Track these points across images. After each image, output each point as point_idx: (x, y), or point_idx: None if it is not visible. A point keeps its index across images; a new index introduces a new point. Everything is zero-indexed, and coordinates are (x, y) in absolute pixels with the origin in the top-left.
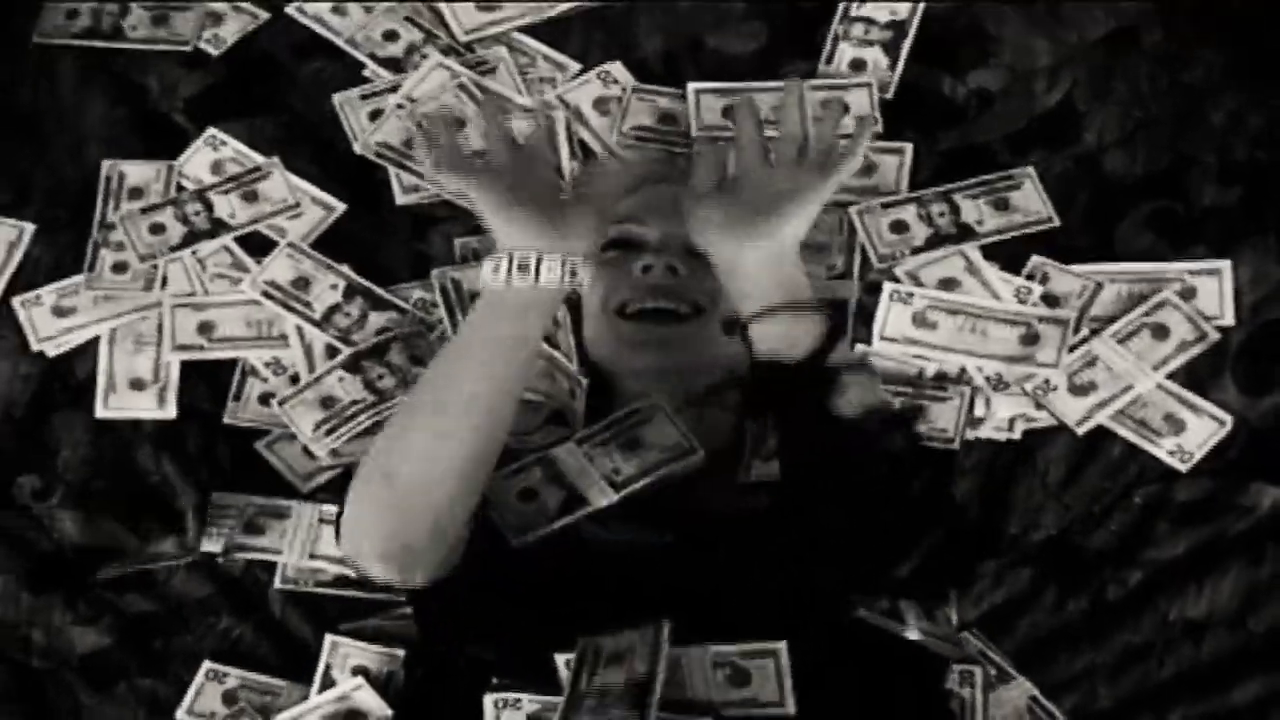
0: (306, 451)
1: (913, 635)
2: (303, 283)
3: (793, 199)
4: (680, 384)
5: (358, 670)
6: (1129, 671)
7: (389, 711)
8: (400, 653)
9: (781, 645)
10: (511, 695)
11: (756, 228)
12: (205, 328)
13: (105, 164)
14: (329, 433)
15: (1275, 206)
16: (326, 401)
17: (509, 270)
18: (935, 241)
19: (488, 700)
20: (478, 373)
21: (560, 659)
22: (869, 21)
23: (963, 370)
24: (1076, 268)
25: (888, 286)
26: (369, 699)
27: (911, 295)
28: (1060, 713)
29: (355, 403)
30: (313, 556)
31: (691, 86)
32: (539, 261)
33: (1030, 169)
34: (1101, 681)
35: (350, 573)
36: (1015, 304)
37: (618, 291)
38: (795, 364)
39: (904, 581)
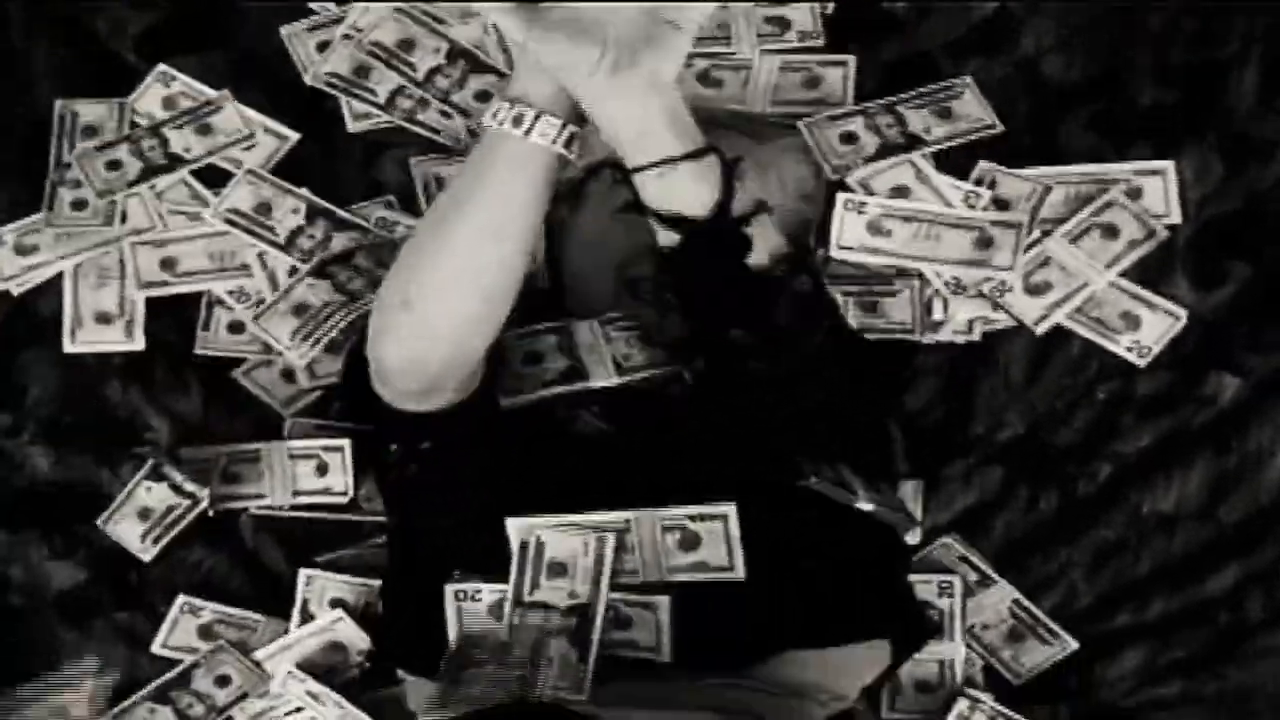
0: (285, 376)
1: (865, 506)
2: (264, 208)
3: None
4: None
5: (335, 603)
6: (1106, 567)
7: (368, 644)
8: (376, 583)
9: (730, 508)
10: (471, 586)
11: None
12: (168, 263)
13: (57, 104)
14: (306, 339)
15: (1213, 106)
16: (299, 309)
17: (505, 118)
18: (885, 151)
19: (448, 591)
20: (481, 209)
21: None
22: None
23: (920, 274)
24: (1023, 171)
25: (841, 196)
26: (350, 631)
27: (865, 204)
28: (1041, 613)
29: (327, 304)
30: (296, 494)
31: None
32: (536, 118)
33: (968, 78)
34: (1080, 578)
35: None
36: (967, 209)
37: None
38: (709, 221)
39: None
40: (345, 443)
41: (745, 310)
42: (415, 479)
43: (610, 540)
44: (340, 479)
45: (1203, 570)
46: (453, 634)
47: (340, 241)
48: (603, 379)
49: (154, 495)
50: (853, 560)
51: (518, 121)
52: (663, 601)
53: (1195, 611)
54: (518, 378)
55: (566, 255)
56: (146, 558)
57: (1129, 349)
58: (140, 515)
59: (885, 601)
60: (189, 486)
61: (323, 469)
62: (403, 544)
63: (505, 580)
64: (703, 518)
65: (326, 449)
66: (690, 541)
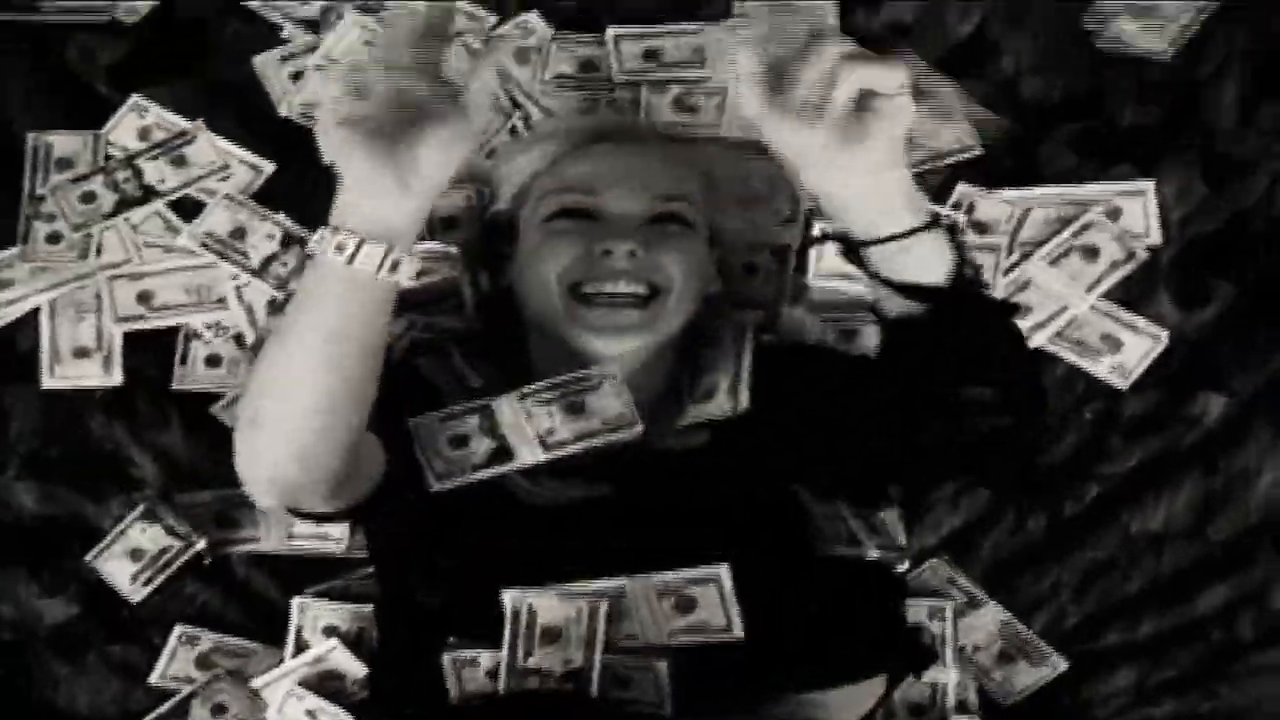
0: None
1: (872, 554)
2: (239, 233)
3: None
4: (629, 360)
5: (329, 630)
6: (1095, 586)
7: (364, 671)
8: (369, 609)
9: (723, 569)
10: (468, 653)
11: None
12: (144, 297)
13: (30, 136)
14: None
15: (1193, 124)
16: None
17: (329, 246)
18: None
19: (446, 660)
20: (315, 337)
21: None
22: None
23: None
24: (1002, 193)
25: (818, 224)
26: (345, 659)
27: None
28: (1031, 633)
29: None
30: (291, 537)
31: (611, 31)
32: (359, 245)
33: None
34: (1069, 598)
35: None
36: None
37: (572, 269)
38: (967, 290)
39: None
40: None
41: (994, 369)
42: (401, 553)
43: (603, 605)
44: (340, 528)
45: (1192, 589)
46: (453, 695)
47: None
48: (529, 457)
49: (147, 536)
50: (851, 602)
51: (340, 249)
52: (661, 666)
53: (1186, 630)
54: (447, 461)
55: (518, 285)
56: (136, 598)
57: (1111, 371)
58: (131, 555)
59: (885, 638)
60: (182, 529)
61: None
62: (392, 614)
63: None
64: (697, 581)
65: None
66: (686, 605)
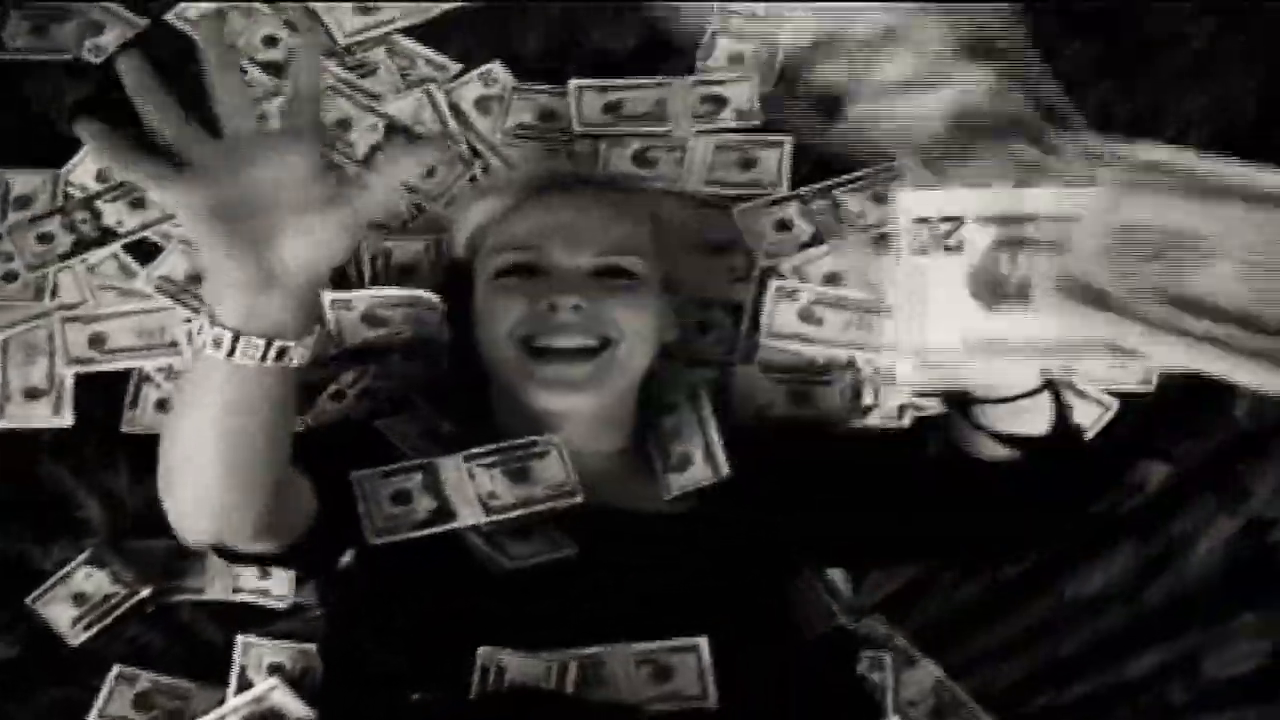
0: None
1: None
2: (196, 278)
3: None
4: (586, 413)
5: (273, 668)
6: (1028, 650)
7: (306, 711)
8: (313, 647)
9: (702, 640)
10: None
11: None
12: (96, 340)
13: None
14: None
15: None
16: None
17: (204, 340)
18: (819, 238)
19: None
20: (207, 425)
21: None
22: (748, 15)
23: (851, 361)
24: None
25: (773, 284)
26: (286, 699)
27: (797, 291)
28: (964, 693)
29: None
30: (235, 590)
31: (573, 83)
32: (235, 339)
33: (911, 162)
34: (1002, 660)
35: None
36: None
37: (520, 325)
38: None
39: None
40: None
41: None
42: (354, 613)
43: (573, 667)
44: (282, 585)
45: (1125, 654)
46: None
47: None
48: (469, 519)
49: (92, 581)
50: (822, 668)
51: (217, 344)
52: None
53: (1117, 694)
54: (388, 517)
55: (476, 337)
56: (74, 642)
57: None
58: (74, 600)
59: (847, 698)
60: (128, 576)
61: (265, 572)
62: (342, 662)
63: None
64: (677, 650)
65: None
66: (663, 673)
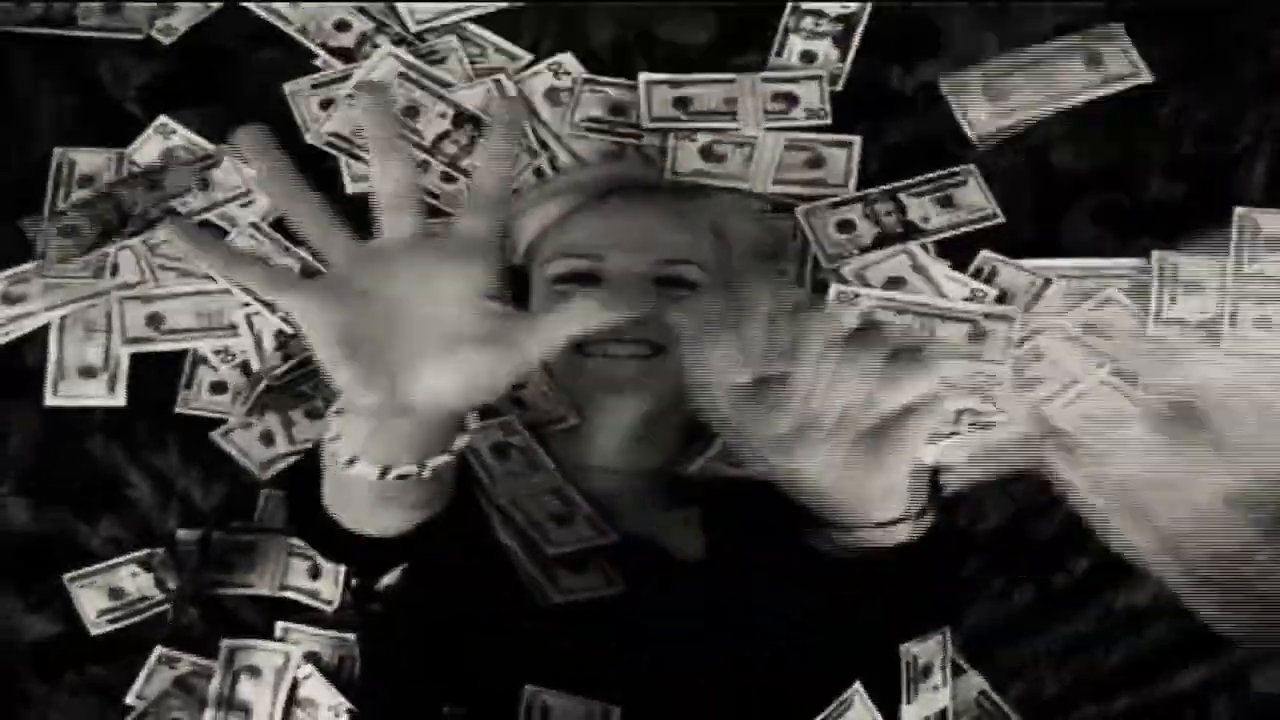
0: (264, 439)
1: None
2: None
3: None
4: (640, 414)
5: (309, 656)
6: (1074, 660)
7: (339, 699)
8: (351, 637)
9: None
10: None
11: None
12: (154, 319)
13: (56, 152)
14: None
15: (1220, 201)
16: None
17: (331, 451)
18: (882, 240)
19: None
20: (359, 494)
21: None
22: (819, 14)
23: None
24: (1024, 262)
25: (834, 288)
26: (319, 688)
27: (858, 296)
28: (1006, 703)
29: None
30: (283, 588)
31: (643, 77)
32: (351, 460)
33: (972, 166)
34: (1047, 670)
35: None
36: (962, 301)
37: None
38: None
39: None
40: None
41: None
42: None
43: (616, 713)
44: (331, 588)
45: (1172, 667)
46: None
47: None
48: None
49: (135, 582)
50: None
51: (333, 457)
52: None
53: (1162, 708)
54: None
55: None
56: (95, 632)
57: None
58: (111, 593)
59: None
60: (171, 587)
61: (315, 573)
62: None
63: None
64: None
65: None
66: None
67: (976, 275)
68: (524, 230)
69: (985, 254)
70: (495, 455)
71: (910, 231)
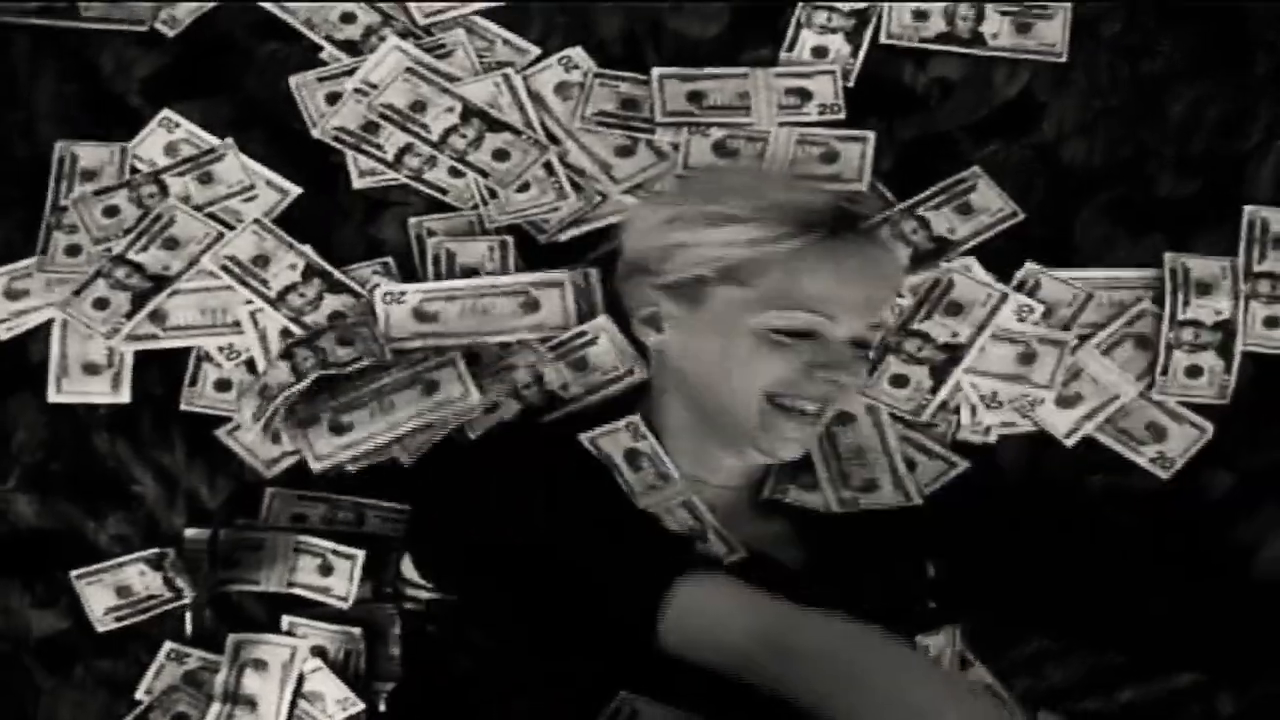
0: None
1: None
2: (262, 260)
3: None
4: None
5: (316, 650)
6: (1078, 652)
7: (344, 691)
8: (358, 631)
9: None
10: None
11: None
12: (158, 316)
13: (58, 145)
14: (257, 419)
15: (1231, 198)
16: (264, 389)
17: None
18: (918, 260)
19: None
20: None
21: None
22: (831, 9)
23: (957, 385)
24: (1063, 273)
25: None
26: (326, 681)
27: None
28: (1012, 698)
29: (282, 385)
30: (290, 585)
31: (656, 71)
32: None
33: (977, 168)
34: (1052, 663)
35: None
36: (1015, 322)
37: (781, 384)
38: None
39: None
40: (360, 555)
41: None
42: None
43: None
44: (344, 585)
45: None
46: None
47: (332, 303)
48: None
49: (143, 580)
50: None
51: None
52: None
53: (1165, 702)
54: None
55: (684, 362)
56: (101, 629)
57: (1153, 460)
58: (118, 590)
59: None
60: (179, 586)
61: (327, 570)
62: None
63: None
64: None
65: (336, 553)
66: None
67: (1020, 288)
68: (717, 245)
69: (1030, 266)
70: (629, 464)
71: (943, 246)
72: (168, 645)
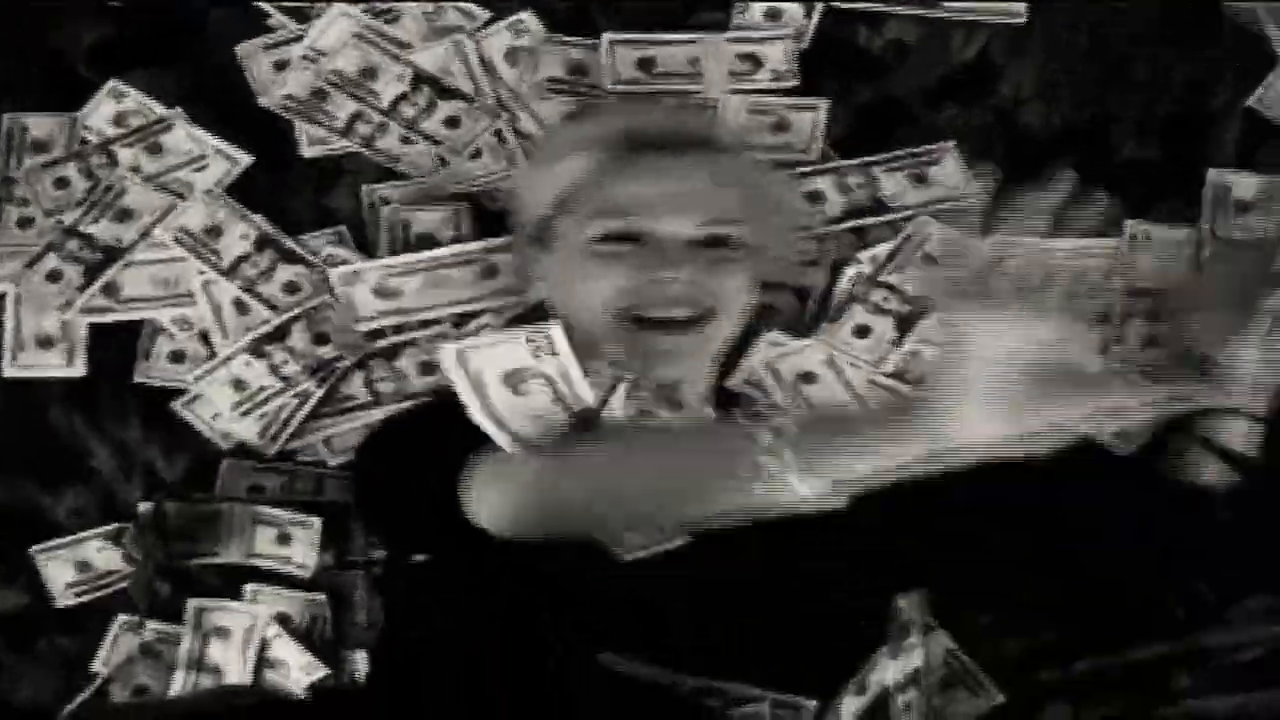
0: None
1: None
2: (215, 231)
3: None
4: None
5: (281, 617)
6: (1036, 625)
7: (308, 657)
8: (323, 597)
9: (810, 703)
10: None
11: None
12: (111, 289)
13: (6, 117)
14: (245, 414)
15: (1193, 162)
16: (237, 384)
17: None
18: (850, 213)
19: None
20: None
21: None
22: None
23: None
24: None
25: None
26: (287, 648)
27: None
28: (974, 663)
29: (264, 388)
30: (250, 556)
31: (606, 37)
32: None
33: (953, 143)
34: (1011, 634)
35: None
36: None
37: (621, 296)
38: None
39: None
40: (317, 521)
41: None
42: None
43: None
44: (303, 552)
45: (1136, 637)
46: None
47: (284, 274)
48: None
49: (102, 556)
50: None
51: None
52: None
53: (1121, 673)
54: None
55: (555, 301)
56: (60, 604)
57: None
58: (78, 566)
59: None
60: (139, 558)
61: (285, 539)
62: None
63: None
64: (781, 705)
65: (294, 522)
66: None
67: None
68: (553, 181)
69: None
70: None
71: (879, 207)
72: (121, 617)
